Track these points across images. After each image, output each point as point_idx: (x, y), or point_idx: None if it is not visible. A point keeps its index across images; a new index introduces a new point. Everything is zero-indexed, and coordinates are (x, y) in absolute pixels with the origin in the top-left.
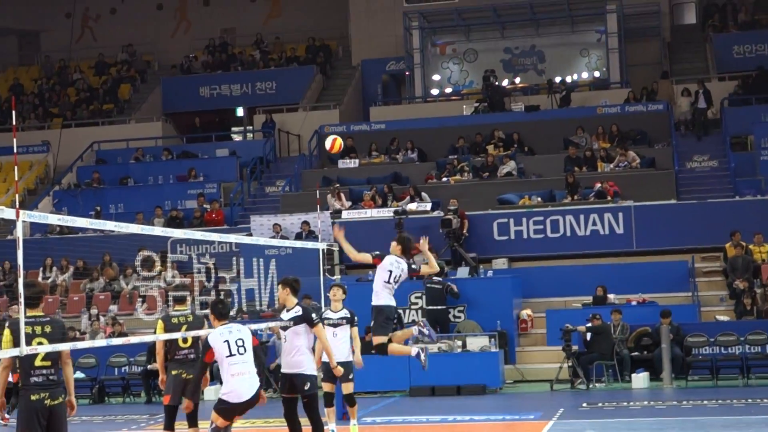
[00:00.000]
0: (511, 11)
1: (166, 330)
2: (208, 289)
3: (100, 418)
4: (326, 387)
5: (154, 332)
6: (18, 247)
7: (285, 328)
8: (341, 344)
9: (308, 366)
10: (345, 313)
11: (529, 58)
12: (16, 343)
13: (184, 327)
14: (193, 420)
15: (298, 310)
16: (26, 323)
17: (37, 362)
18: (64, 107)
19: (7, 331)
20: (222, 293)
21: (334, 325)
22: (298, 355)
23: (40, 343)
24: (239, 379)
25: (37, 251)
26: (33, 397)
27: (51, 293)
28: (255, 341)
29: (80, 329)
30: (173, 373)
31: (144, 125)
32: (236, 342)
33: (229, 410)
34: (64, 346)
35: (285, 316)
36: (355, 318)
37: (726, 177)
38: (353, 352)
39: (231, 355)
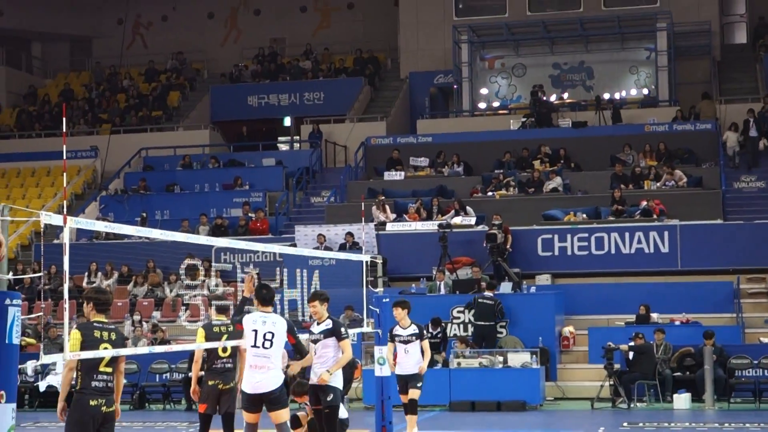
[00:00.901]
0: (560, 27)
1: (207, 339)
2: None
3: (140, 424)
4: (403, 398)
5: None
6: (64, 252)
7: (315, 341)
8: (412, 360)
9: (334, 379)
10: (414, 329)
11: (577, 74)
12: (83, 347)
13: (225, 336)
14: (229, 426)
15: (328, 324)
16: (95, 328)
17: (101, 367)
18: (113, 113)
19: (75, 333)
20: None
21: (405, 342)
22: (325, 368)
23: (105, 349)
24: (255, 372)
25: (82, 256)
26: (92, 402)
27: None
28: (291, 339)
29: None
30: (210, 383)
31: (192, 133)
32: (264, 335)
33: (244, 401)
34: (112, 352)
35: (316, 329)
36: (424, 332)
37: None
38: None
39: (255, 346)
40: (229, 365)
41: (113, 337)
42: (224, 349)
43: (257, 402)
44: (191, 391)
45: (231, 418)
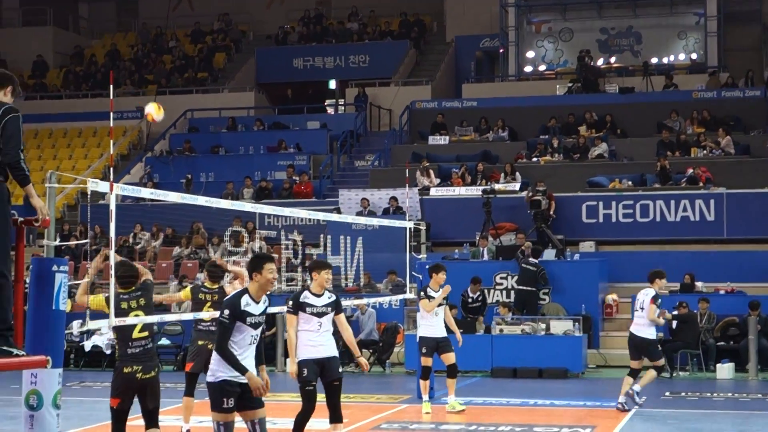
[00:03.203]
0: None
1: (193, 300)
2: (295, 266)
3: (182, 385)
4: (425, 361)
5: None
6: (110, 219)
7: (321, 314)
8: (440, 321)
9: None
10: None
11: (625, 39)
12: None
13: (208, 304)
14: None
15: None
16: (121, 300)
17: (135, 334)
18: (159, 74)
19: (98, 297)
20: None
21: (438, 305)
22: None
23: (136, 316)
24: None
25: (128, 217)
26: (126, 370)
27: (140, 259)
28: None
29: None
30: (200, 342)
31: (237, 95)
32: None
33: None
34: (153, 318)
35: (318, 301)
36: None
37: None
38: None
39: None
40: (213, 329)
41: (142, 302)
42: (208, 316)
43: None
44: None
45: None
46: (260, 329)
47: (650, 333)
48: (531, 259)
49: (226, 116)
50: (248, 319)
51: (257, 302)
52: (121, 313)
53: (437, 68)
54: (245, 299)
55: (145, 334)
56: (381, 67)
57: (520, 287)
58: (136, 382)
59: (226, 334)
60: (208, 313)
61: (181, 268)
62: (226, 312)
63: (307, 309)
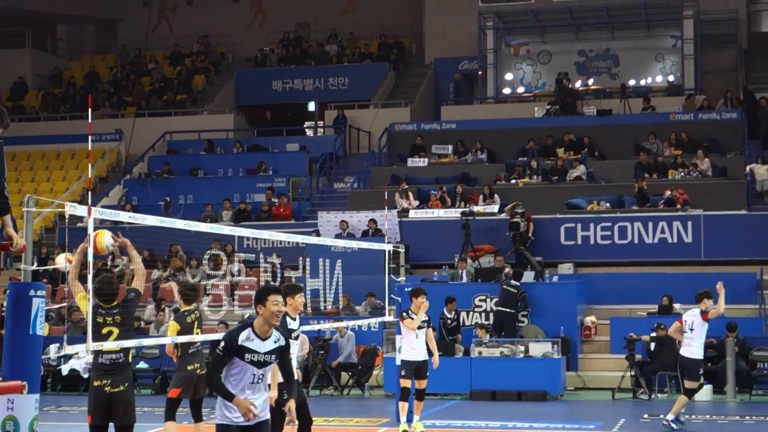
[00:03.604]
0: (586, 14)
1: (181, 328)
2: None
3: (161, 409)
4: (404, 383)
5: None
6: (89, 243)
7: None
8: (423, 344)
9: None
10: (425, 317)
11: (603, 62)
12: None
13: (196, 324)
14: (198, 412)
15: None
16: (98, 313)
17: (106, 348)
18: (138, 96)
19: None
20: None
21: (419, 327)
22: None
23: (110, 331)
24: None
25: None
26: (95, 383)
27: (118, 281)
28: None
29: (145, 319)
30: (189, 368)
31: (216, 117)
32: None
33: None
34: (133, 343)
35: (295, 325)
36: (430, 320)
37: None
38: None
39: None
40: (200, 348)
41: (117, 319)
42: (198, 334)
43: None
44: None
45: (200, 404)
46: (267, 368)
47: (699, 354)
48: (512, 281)
49: (205, 138)
50: (247, 356)
51: (263, 338)
52: (96, 326)
53: (416, 90)
54: (246, 334)
55: (116, 348)
56: (360, 90)
57: (500, 308)
58: (104, 395)
59: (216, 365)
60: (186, 337)
61: (159, 291)
62: (221, 344)
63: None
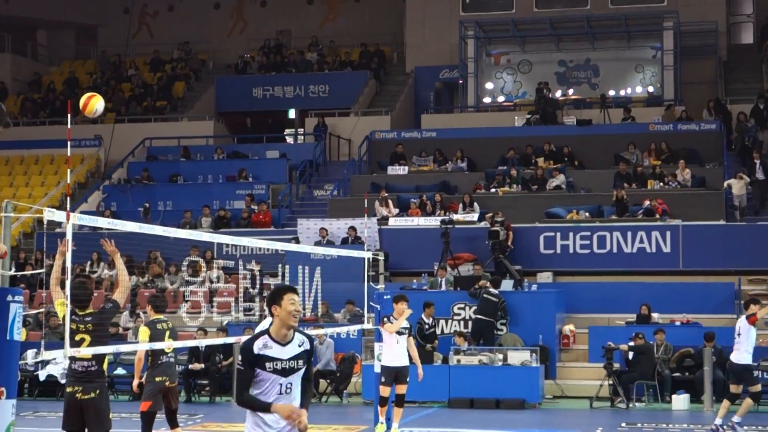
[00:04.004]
0: (567, 24)
1: (152, 337)
2: (252, 296)
3: (137, 415)
4: (383, 390)
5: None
6: (67, 249)
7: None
8: (403, 351)
9: None
10: (406, 323)
11: (583, 72)
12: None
13: (167, 333)
14: (174, 422)
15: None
16: (72, 321)
17: (79, 354)
18: (117, 102)
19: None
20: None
21: (400, 334)
22: None
23: (82, 338)
24: None
25: (85, 245)
26: (68, 389)
27: (96, 288)
28: None
29: (122, 325)
30: (157, 380)
31: (196, 124)
32: None
33: None
34: (108, 349)
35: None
36: (411, 328)
37: None
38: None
39: None
40: (172, 360)
41: (89, 327)
42: (168, 346)
43: None
44: (133, 385)
45: (176, 413)
46: (295, 376)
47: (748, 359)
48: (492, 290)
49: (186, 145)
50: (268, 365)
51: (283, 343)
52: (69, 333)
53: (397, 99)
54: (262, 341)
55: (88, 355)
56: (341, 97)
57: (479, 317)
58: (76, 402)
59: (244, 383)
60: (164, 343)
61: (138, 297)
62: (240, 359)
63: None
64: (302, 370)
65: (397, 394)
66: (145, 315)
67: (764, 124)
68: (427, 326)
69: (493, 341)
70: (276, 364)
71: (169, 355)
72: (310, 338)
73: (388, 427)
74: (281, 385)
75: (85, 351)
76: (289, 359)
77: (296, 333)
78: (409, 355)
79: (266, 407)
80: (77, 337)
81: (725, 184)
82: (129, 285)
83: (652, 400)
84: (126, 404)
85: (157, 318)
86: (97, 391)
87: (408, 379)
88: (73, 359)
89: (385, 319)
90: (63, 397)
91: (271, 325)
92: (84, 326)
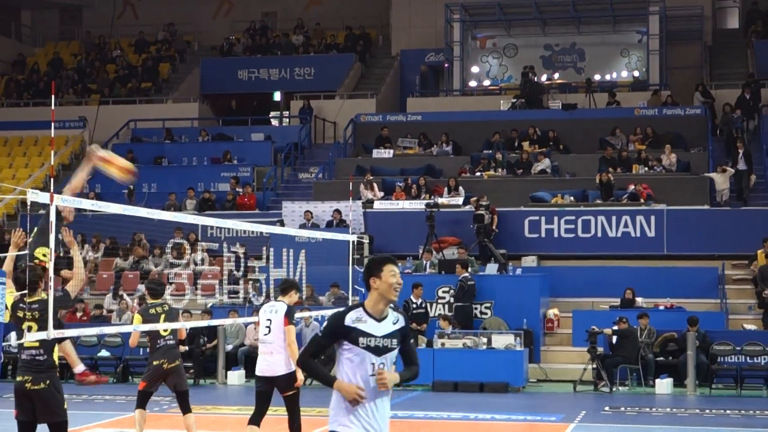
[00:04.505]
0: (553, 8)
1: (145, 321)
2: (237, 278)
3: (123, 397)
4: None
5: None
6: (50, 230)
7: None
8: None
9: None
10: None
11: (569, 56)
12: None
13: (162, 317)
14: (185, 404)
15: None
16: (19, 308)
17: (27, 343)
18: (102, 84)
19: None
20: (251, 282)
21: None
22: None
23: (30, 327)
24: (260, 358)
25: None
26: (18, 378)
27: (44, 274)
28: (285, 322)
29: (106, 307)
30: (155, 363)
31: (181, 105)
32: (265, 322)
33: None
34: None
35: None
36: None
37: (761, 184)
38: None
39: (264, 334)
40: (171, 342)
41: (36, 315)
42: (165, 329)
43: (269, 384)
44: None
45: (186, 396)
46: (388, 357)
47: None
48: (466, 274)
49: (170, 127)
50: (361, 340)
51: (378, 319)
52: (18, 321)
53: (382, 82)
54: (355, 314)
55: (36, 344)
56: (326, 80)
57: (456, 303)
58: (25, 391)
59: (311, 347)
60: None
61: (122, 280)
62: (323, 326)
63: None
64: (395, 351)
65: None
66: (130, 296)
67: (750, 114)
68: (414, 306)
69: (471, 325)
70: (369, 341)
71: (166, 338)
72: (405, 316)
73: None
74: (373, 364)
75: (30, 340)
76: (383, 337)
77: (391, 310)
78: None
79: (329, 381)
80: (24, 325)
81: (708, 176)
82: (84, 277)
83: (635, 384)
84: (110, 387)
85: (152, 303)
86: (47, 382)
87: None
88: (21, 348)
89: None
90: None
91: (364, 299)
92: (31, 314)
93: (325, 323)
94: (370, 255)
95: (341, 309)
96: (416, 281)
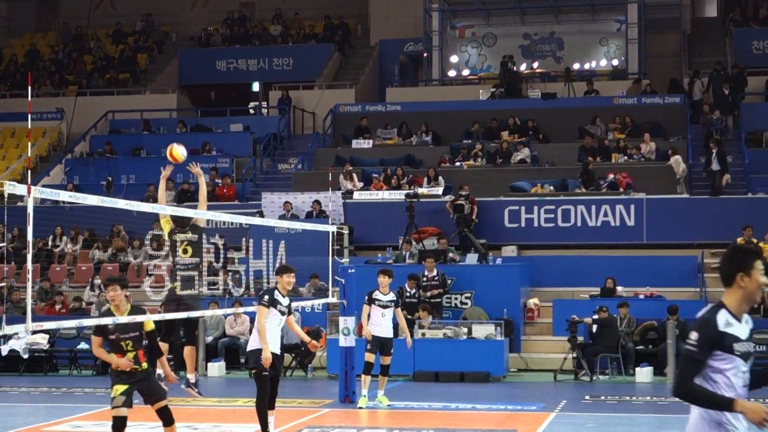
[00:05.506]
0: None
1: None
2: (216, 270)
3: (102, 390)
4: (368, 357)
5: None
6: (28, 222)
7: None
8: (388, 323)
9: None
10: (392, 296)
11: (548, 45)
12: None
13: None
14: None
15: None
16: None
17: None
18: (79, 75)
19: None
20: (230, 273)
21: (384, 307)
22: None
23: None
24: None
25: (47, 219)
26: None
27: (59, 262)
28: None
29: (85, 300)
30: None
31: (159, 96)
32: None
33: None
34: (71, 323)
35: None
36: (399, 299)
37: (740, 173)
38: (403, 331)
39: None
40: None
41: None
42: (185, 251)
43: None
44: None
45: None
46: (748, 363)
47: None
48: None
49: (148, 118)
50: (736, 347)
51: (740, 321)
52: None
53: (361, 72)
54: (724, 317)
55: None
56: (305, 70)
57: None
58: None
59: (693, 368)
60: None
61: (101, 272)
62: (695, 337)
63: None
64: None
65: (382, 364)
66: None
67: (730, 111)
68: (407, 294)
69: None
70: (741, 346)
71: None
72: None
73: (373, 396)
74: (744, 373)
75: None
76: (747, 341)
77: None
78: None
79: (727, 404)
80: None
81: (671, 160)
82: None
83: (615, 372)
84: (89, 379)
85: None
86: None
87: (392, 351)
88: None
89: (367, 298)
90: (26, 373)
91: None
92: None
93: (694, 334)
94: (351, 246)
95: (705, 313)
96: (412, 273)
